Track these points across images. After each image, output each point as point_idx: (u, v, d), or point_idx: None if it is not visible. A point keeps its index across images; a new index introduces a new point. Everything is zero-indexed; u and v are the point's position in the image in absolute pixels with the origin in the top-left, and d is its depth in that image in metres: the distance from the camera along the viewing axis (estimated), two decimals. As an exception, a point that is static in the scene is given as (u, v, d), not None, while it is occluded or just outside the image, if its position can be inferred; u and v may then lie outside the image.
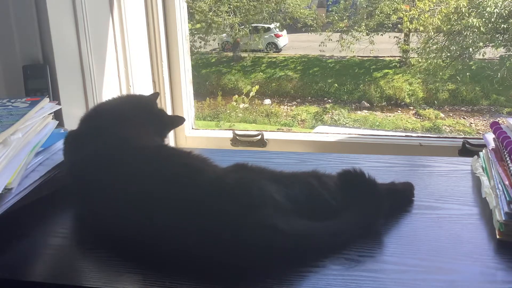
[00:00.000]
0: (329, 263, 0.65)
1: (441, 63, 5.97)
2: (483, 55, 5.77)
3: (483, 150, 0.92)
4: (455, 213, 0.79)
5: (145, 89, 1.44)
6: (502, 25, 5.46)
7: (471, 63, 6.04)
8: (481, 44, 5.58)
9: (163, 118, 0.97)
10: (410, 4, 6.13)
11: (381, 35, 6.70)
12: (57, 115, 1.05)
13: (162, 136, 0.95)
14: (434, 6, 5.80)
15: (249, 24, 7.33)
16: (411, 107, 6.42)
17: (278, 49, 7.85)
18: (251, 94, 4.17)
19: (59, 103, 1.05)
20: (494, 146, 0.87)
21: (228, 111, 6.17)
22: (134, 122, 0.87)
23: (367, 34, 6.70)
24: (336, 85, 6.92)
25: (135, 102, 0.97)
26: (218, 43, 7.84)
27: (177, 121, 1.02)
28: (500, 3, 5.37)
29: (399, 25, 6.42)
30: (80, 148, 0.82)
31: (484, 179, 0.84)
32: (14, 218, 0.77)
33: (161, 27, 1.44)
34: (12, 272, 0.67)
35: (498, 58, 5.87)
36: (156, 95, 1.02)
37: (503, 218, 0.69)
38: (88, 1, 1.18)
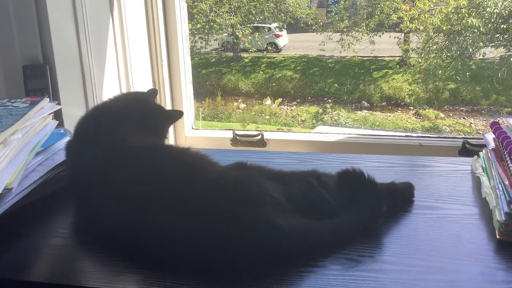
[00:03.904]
0: (329, 263, 0.65)
1: (441, 63, 5.97)
2: (483, 55, 5.77)
3: (483, 150, 0.92)
4: (455, 213, 0.79)
5: (145, 89, 1.43)
6: (502, 25, 5.46)
7: (471, 63, 6.04)
8: (481, 44, 5.58)
9: (160, 114, 0.95)
10: (410, 4, 6.13)
11: (379, 36, 6.69)
12: (57, 115, 1.05)
13: (162, 133, 0.94)
14: (434, 6, 5.80)
15: (249, 25, 7.33)
16: (411, 107, 6.42)
17: (278, 49, 7.85)
18: (273, 106, 4.20)
19: (59, 103, 1.05)
20: (494, 146, 0.87)
21: (247, 121, 6.21)
22: (132, 121, 0.87)
23: (367, 34, 6.70)
24: (336, 85, 6.92)
25: (132, 101, 0.96)
26: (219, 43, 7.84)
27: (174, 115, 0.99)
28: (500, 3, 5.36)
29: (400, 25, 6.41)
30: (80, 148, 0.82)
31: (484, 179, 0.84)
32: (14, 218, 0.77)
33: (161, 27, 1.44)
34: (12, 272, 0.67)
35: (498, 58, 5.87)
36: (153, 91, 1.00)
37: (503, 218, 0.69)
38: (88, 1, 1.18)
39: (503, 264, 0.66)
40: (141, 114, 0.90)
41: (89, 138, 0.83)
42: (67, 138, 0.94)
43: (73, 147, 0.85)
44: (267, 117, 6.23)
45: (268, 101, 6.79)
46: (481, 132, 5.68)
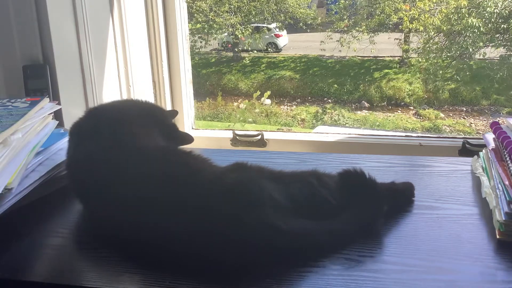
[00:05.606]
0: (329, 263, 0.65)
1: (441, 63, 5.97)
2: (483, 55, 5.78)
3: (483, 150, 0.92)
4: (455, 213, 0.79)
5: (145, 89, 1.44)
6: (502, 25, 5.47)
7: (471, 63, 6.04)
8: (481, 44, 5.59)
9: (173, 132, 0.96)
10: (410, 4, 6.13)
11: (377, 34, 6.69)
12: (57, 115, 1.05)
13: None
14: (434, 6, 5.81)
15: (249, 25, 7.34)
16: (411, 107, 6.42)
17: (278, 49, 7.85)
18: (263, 99, 4.18)
19: (59, 103, 1.05)
20: (494, 146, 0.87)
21: (238, 116, 6.22)
22: (141, 126, 0.86)
23: (368, 34, 6.70)
24: (336, 85, 6.92)
25: (149, 110, 0.96)
26: (219, 43, 7.84)
27: (185, 139, 0.99)
28: (500, 3, 5.37)
29: (400, 26, 6.41)
30: (82, 144, 0.82)
31: (484, 179, 0.84)
32: (14, 218, 0.77)
33: (161, 27, 1.44)
34: (12, 272, 0.67)
35: (498, 58, 5.88)
36: (174, 112, 1.01)
37: (503, 218, 0.69)
38: (88, 1, 1.18)
39: (503, 264, 0.66)
40: (155, 125, 0.90)
41: (92, 134, 0.82)
42: (67, 138, 0.93)
43: (75, 138, 0.84)
44: (256, 110, 6.20)
45: (267, 101, 6.79)
46: (481, 132, 5.68)
